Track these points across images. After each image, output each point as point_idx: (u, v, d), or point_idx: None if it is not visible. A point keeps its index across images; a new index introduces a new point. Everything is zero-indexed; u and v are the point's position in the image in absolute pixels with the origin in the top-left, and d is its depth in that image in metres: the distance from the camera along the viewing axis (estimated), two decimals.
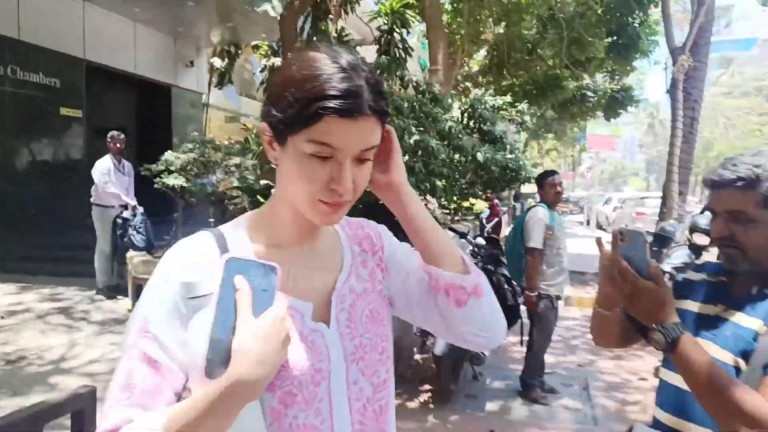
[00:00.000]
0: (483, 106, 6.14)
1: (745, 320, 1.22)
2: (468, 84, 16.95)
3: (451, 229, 6.96)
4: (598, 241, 1.26)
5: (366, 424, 0.85)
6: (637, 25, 9.91)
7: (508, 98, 12.65)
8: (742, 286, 1.27)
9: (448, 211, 8.82)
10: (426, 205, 6.64)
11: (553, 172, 4.10)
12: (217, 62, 11.38)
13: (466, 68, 15.90)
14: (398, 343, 4.00)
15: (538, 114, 19.99)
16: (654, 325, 1.15)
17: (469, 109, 6.09)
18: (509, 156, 5.97)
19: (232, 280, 0.71)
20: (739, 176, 1.20)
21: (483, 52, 14.86)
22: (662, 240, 5.74)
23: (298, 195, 0.79)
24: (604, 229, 18.43)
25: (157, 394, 0.75)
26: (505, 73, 14.43)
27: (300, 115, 0.74)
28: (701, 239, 4.83)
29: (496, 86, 15.36)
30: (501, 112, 9.21)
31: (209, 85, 11.77)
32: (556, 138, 24.92)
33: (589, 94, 11.85)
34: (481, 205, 11.41)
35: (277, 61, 5.60)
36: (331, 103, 0.73)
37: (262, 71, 6.56)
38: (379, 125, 0.78)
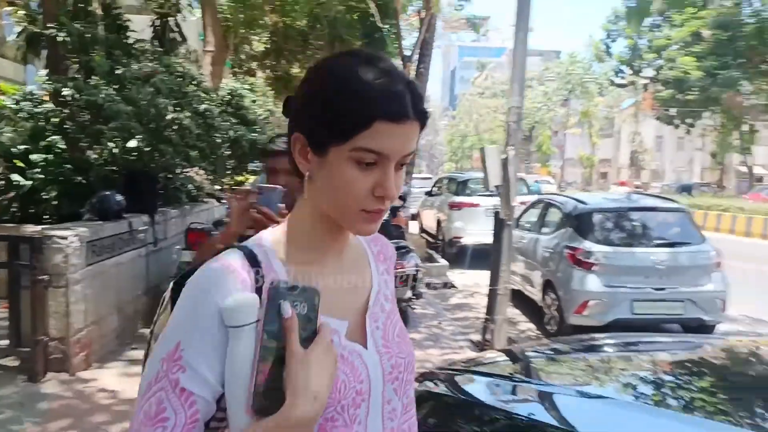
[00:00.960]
0: (240, 97, 7.27)
1: None
2: (254, 65, 17.78)
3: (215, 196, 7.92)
4: (228, 198, 1.84)
5: None
6: (385, 32, 11.95)
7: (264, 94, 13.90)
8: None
9: (221, 187, 9.70)
10: (193, 176, 7.47)
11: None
12: None
13: (249, 50, 16.65)
14: None
15: None
16: None
17: (229, 97, 7.14)
18: (260, 135, 7.19)
19: (275, 307, 0.69)
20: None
21: (265, 37, 15.82)
22: (400, 197, 7.60)
23: (341, 206, 0.77)
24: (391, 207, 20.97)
25: (192, 428, 0.70)
26: (284, 58, 15.68)
27: (346, 123, 0.72)
28: (396, 201, 6.72)
29: (276, 69, 16.50)
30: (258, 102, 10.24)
31: None
32: None
33: None
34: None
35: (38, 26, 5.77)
36: (381, 109, 0.72)
37: (18, 35, 6.56)
38: (419, 129, 0.77)
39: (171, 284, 1.01)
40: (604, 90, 41.57)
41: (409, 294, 5.56)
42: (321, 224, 0.82)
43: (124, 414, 3.49)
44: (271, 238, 0.83)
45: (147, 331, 5.61)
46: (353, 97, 0.73)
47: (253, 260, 0.77)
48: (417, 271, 5.65)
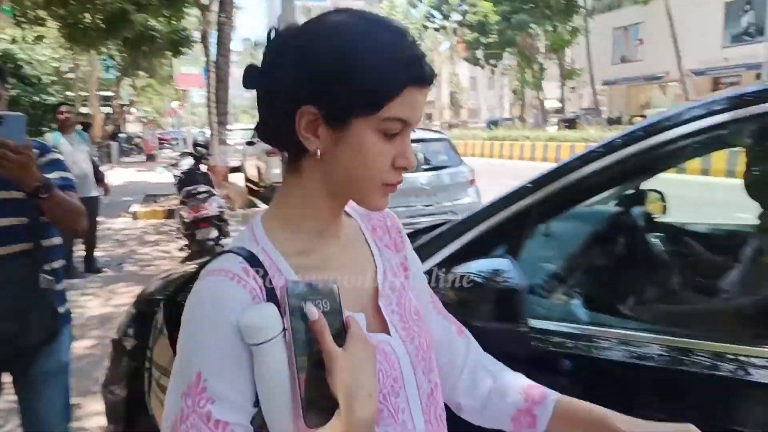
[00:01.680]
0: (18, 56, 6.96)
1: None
2: (42, 12, 15.94)
3: None
4: None
5: (432, 426, 0.80)
6: None
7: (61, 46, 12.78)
8: None
9: None
10: None
11: (62, 104, 5.48)
12: None
13: None
14: None
15: (122, 52, 20.16)
16: (39, 183, 1.55)
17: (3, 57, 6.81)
18: (47, 97, 6.97)
19: (298, 311, 0.63)
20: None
21: None
22: (202, 146, 7.64)
23: (361, 181, 0.70)
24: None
25: None
26: (74, 7, 14.32)
27: (379, 93, 0.66)
28: (200, 151, 7.08)
29: (67, 18, 15.00)
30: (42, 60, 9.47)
31: None
32: (149, 75, 25.40)
33: (156, 33, 13.17)
34: None
35: None
36: (411, 74, 0.66)
37: None
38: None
39: (161, 305, 0.95)
40: (423, 34, 43.96)
41: (215, 234, 6.09)
42: (319, 206, 0.74)
43: None
44: (263, 228, 0.74)
45: None
46: (383, 64, 0.65)
47: (254, 262, 0.69)
48: (221, 212, 6.16)
